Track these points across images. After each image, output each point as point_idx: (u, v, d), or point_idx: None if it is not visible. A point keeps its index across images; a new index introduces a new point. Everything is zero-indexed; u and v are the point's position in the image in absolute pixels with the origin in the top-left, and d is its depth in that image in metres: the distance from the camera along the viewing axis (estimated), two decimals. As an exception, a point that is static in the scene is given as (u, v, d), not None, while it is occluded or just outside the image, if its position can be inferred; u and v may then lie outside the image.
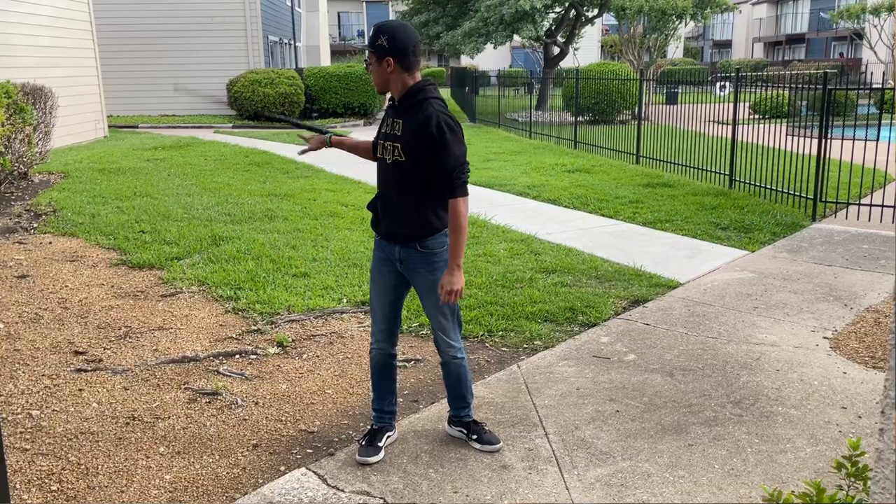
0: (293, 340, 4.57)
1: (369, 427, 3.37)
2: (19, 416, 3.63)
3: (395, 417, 3.41)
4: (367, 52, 3.03)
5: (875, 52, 24.83)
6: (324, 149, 3.46)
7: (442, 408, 3.70)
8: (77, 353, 4.38)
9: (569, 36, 24.78)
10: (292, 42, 27.85)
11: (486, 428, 3.38)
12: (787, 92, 9.44)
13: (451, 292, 3.00)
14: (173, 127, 18.91)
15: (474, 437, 3.33)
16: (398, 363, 4.21)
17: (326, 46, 39.42)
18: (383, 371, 3.32)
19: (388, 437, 3.33)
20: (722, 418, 3.56)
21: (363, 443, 3.26)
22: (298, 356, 4.37)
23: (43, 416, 3.64)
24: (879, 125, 8.31)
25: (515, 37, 23.78)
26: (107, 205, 8.29)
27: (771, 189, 8.69)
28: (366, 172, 11.13)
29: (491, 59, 38.86)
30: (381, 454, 3.22)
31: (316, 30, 35.26)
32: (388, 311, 3.23)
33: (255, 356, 4.36)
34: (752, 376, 4.02)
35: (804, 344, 4.47)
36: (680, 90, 15.53)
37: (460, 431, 3.37)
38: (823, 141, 7.77)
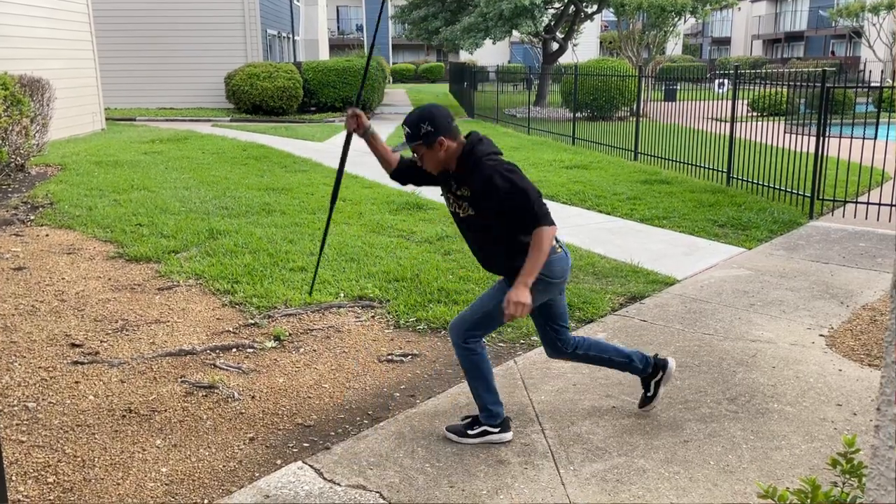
0: (290, 334, 4.58)
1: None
2: (15, 408, 3.63)
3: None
4: (412, 146, 3.12)
5: (874, 51, 24.83)
6: (354, 133, 3.46)
7: (438, 403, 3.71)
8: (74, 345, 4.38)
9: (568, 32, 24.76)
10: (291, 36, 27.80)
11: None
12: (785, 90, 9.44)
13: (518, 304, 2.96)
14: (171, 120, 18.86)
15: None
16: (395, 358, 4.23)
17: (325, 40, 39.34)
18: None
19: (487, 433, 3.35)
20: (717, 415, 3.57)
21: (465, 421, 3.37)
22: (295, 350, 4.37)
23: (39, 408, 3.64)
24: (877, 123, 8.31)
25: (514, 32, 23.75)
26: (104, 197, 8.27)
27: (768, 187, 8.70)
28: (363, 167, 11.14)
29: (489, 54, 38.82)
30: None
31: (314, 24, 35.19)
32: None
33: (251, 350, 4.35)
34: (748, 373, 4.03)
35: (800, 341, 4.48)
36: (678, 87, 15.54)
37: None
38: (821, 139, 7.78)
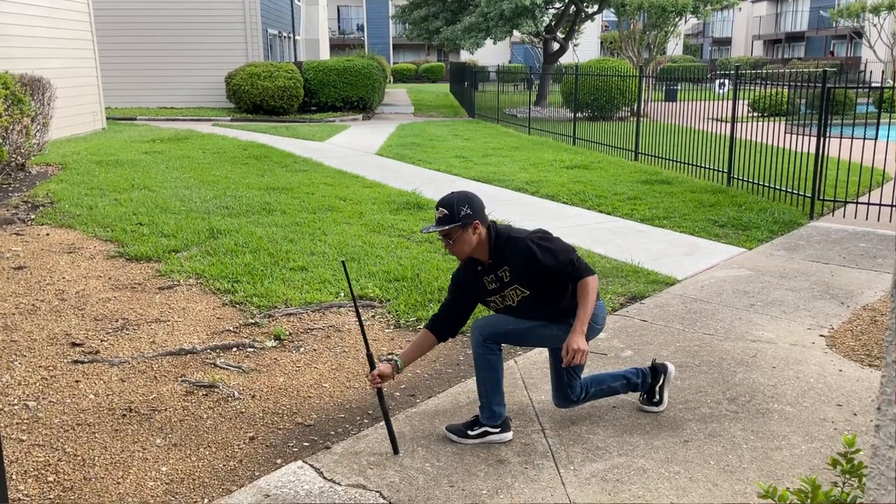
0: (290, 334, 4.58)
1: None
2: (16, 407, 3.63)
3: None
4: (445, 231, 3.11)
5: (874, 51, 24.82)
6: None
7: (438, 402, 3.71)
8: (74, 344, 4.38)
9: (568, 32, 24.76)
10: (291, 35, 27.80)
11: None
12: (786, 90, 9.44)
13: (578, 351, 3.09)
14: (172, 119, 18.87)
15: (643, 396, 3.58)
16: (395, 358, 4.23)
17: (326, 40, 39.35)
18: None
19: (487, 433, 3.37)
20: (718, 415, 3.57)
21: (470, 421, 3.36)
22: (295, 349, 4.37)
23: (39, 407, 3.64)
24: (878, 124, 8.31)
25: (515, 32, 23.76)
26: (104, 197, 8.28)
27: (769, 187, 8.69)
28: (364, 167, 11.13)
29: (490, 54, 38.83)
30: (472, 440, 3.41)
31: (315, 23, 35.19)
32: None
33: (252, 349, 4.36)
34: (749, 373, 4.03)
35: (800, 341, 4.48)
36: (679, 87, 15.53)
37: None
38: (822, 139, 7.78)
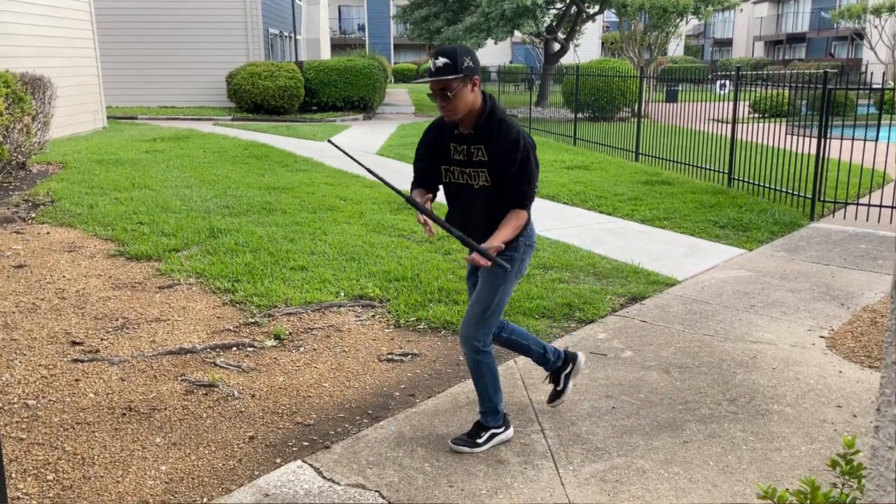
0: (290, 333, 4.58)
1: (546, 377, 3.62)
2: (16, 406, 3.63)
3: (553, 354, 3.53)
4: (446, 81, 2.87)
5: (875, 53, 24.82)
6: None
7: (438, 402, 3.71)
8: (74, 343, 4.38)
9: (569, 32, 24.75)
10: (292, 35, 27.79)
11: (481, 435, 3.24)
12: (786, 91, 9.44)
13: (484, 254, 2.89)
14: (172, 119, 18.87)
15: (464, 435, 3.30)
16: (395, 357, 4.23)
17: (327, 40, 39.34)
18: (503, 344, 3.49)
19: (565, 372, 3.53)
20: (717, 416, 3.57)
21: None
22: (295, 349, 4.37)
23: (39, 405, 3.64)
24: (879, 125, 8.31)
25: (516, 32, 23.76)
26: (105, 196, 8.28)
27: (770, 188, 8.69)
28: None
29: (491, 54, 38.81)
30: (569, 390, 3.55)
31: (316, 23, 35.18)
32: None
33: (252, 348, 4.36)
34: (749, 374, 4.03)
35: (800, 343, 4.48)
36: (680, 88, 15.53)
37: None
38: (823, 140, 7.77)
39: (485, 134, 3.00)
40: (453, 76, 2.88)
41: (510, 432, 3.32)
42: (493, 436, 3.27)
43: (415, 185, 3.30)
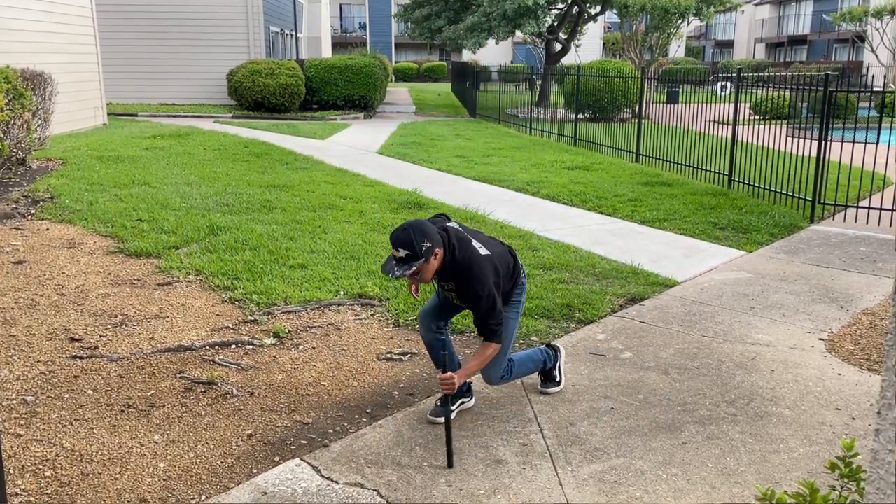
0: (289, 331, 4.57)
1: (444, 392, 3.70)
2: (14, 402, 3.63)
3: (464, 385, 3.64)
4: (417, 266, 3.09)
5: (876, 55, 24.82)
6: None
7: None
8: (73, 339, 4.38)
9: (571, 32, 24.74)
10: (293, 33, 27.78)
11: (557, 377, 3.80)
12: (787, 93, 9.43)
13: (447, 381, 3.23)
14: (173, 116, 18.86)
15: (541, 379, 3.85)
16: (394, 356, 4.23)
17: (328, 38, 39.34)
18: (434, 346, 3.61)
19: (462, 402, 3.62)
20: (716, 417, 3.57)
21: (438, 402, 3.55)
22: (294, 347, 4.37)
23: (38, 402, 3.64)
24: (879, 128, 8.31)
25: (517, 32, 23.74)
26: (105, 192, 8.27)
27: (770, 190, 8.69)
28: (364, 166, 11.13)
29: (492, 54, 38.83)
30: (452, 416, 3.49)
31: (317, 21, 35.17)
32: (442, 318, 3.61)
33: (251, 346, 4.35)
34: (747, 376, 4.03)
35: (800, 345, 4.48)
36: (681, 89, 15.53)
37: (538, 374, 3.88)
38: (823, 143, 7.77)
39: (449, 277, 3.28)
40: (417, 263, 3.09)
41: (562, 352, 3.88)
42: (559, 368, 3.82)
43: None
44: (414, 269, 3.09)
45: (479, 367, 3.34)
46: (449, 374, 3.25)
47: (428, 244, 3.10)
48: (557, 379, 3.83)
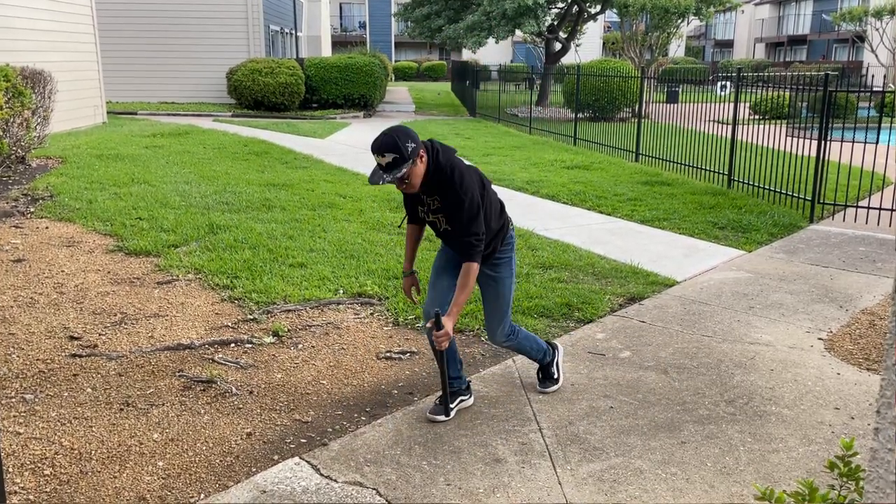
0: (289, 330, 4.57)
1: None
2: (13, 400, 3.62)
3: (463, 383, 3.62)
4: (400, 175, 3.01)
5: (876, 55, 24.82)
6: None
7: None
8: (72, 338, 4.38)
9: (571, 32, 24.74)
10: (293, 32, 27.77)
11: (555, 374, 3.80)
12: (787, 93, 9.43)
13: (441, 336, 3.20)
14: (172, 114, 18.85)
15: (539, 378, 3.83)
16: (393, 355, 4.23)
17: (328, 37, 39.34)
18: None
19: (461, 401, 3.59)
20: (715, 417, 3.57)
21: (437, 401, 3.54)
22: (294, 346, 4.36)
23: (37, 400, 3.64)
24: (879, 128, 8.31)
25: (517, 32, 23.73)
26: (104, 191, 8.27)
27: (769, 190, 8.69)
28: (364, 164, 11.12)
29: (492, 53, 38.81)
30: (451, 415, 3.52)
31: (317, 20, 35.17)
32: (441, 290, 3.50)
33: (250, 345, 4.35)
34: (747, 375, 4.03)
35: (799, 344, 4.48)
36: (680, 89, 15.54)
37: (536, 374, 3.87)
38: (823, 143, 7.77)
39: (433, 187, 3.21)
40: (405, 166, 3.02)
41: (561, 350, 3.92)
42: (557, 365, 3.83)
43: (409, 221, 3.59)
44: (403, 172, 3.01)
45: (466, 296, 3.22)
46: (443, 330, 3.17)
47: (413, 145, 3.03)
48: (556, 376, 3.82)
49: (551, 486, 2.99)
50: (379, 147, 3.01)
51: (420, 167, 3.10)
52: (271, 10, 23.22)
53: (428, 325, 3.29)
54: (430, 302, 3.49)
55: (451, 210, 3.19)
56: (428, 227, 3.52)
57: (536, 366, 3.93)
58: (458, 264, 3.36)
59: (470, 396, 3.65)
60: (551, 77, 22.39)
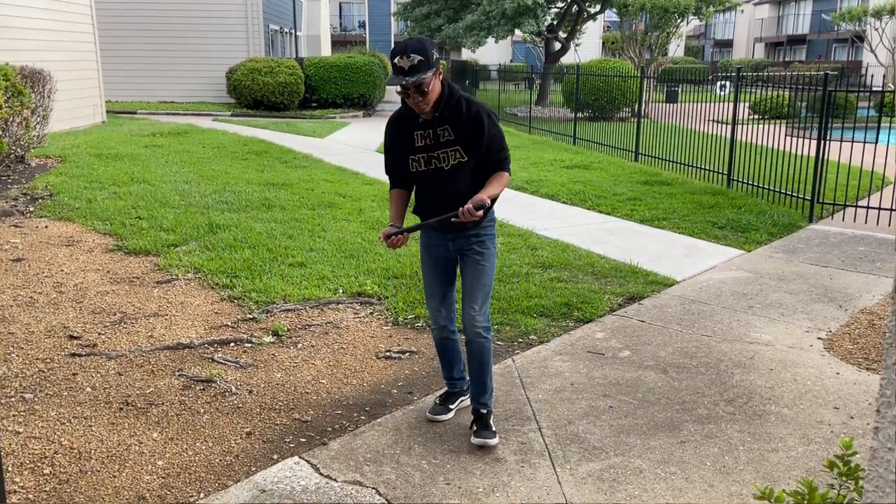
0: (288, 330, 4.57)
1: (444, 390, 3.57)
2: (13, 399, 3.62)
3: (465, 384, 3.50)
4: (426, 80, 2.81)
5: (875, 55, 24.83)
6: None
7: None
8: (72, 337, 4.38)
9: (570, 31, 24.74)
10: (293, 31, 27.76)
11: (493, 427, 3.30)
12: (787, 93, 9.44)
13: (470, 209, 2.89)
14: (172, 114, 18.84)
15: (474, 428, 3.29)
16: (393, 355, 4.23)
17: (327, 36, 39.32)
18: (444, 345, 3.43)
19: (461, 401, 3.52)
20: (715, 416, 3.57)
21: (437, 401, 3.49)
22: (293, 345, 4.36)
23: (36, 399, 3.64)
24: (878, 128, 8.31)
25: (517, 31, 23.74)
26: (104, 190, 8.26)
27: (769, 189, 8.69)
28: (364, 164, 11.13)
29: (492, 52, 38.79)
30: (451, 415, 3.45)
31: (317, 19, 35.16)
32: (445, 291, 3.32)
33: (249, 344, 4.35)
34: (746, 375, 4.03)
35: (798, 344, 4.48)
36: (680, 89, 15.53)
37: (472, 424, 3.32)
38: (822, 142, 7.78)
39: (449, 115, 2.97)
40: (429, 72, 2.81)
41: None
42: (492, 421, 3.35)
43: (394, 186, 3.27)
44: (425, 78, 2.79)
45: (500, 190, 3.01)
46: (469, 206, 2.88)
47: (437, 55, 2.86)
48: (494, 429, 3.28)
49: (551, 485, 2.99)
50: (405, 48, 2.78)
51: (437, 84, 2.89)
52: (271, 10, 23.22)
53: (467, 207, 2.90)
54: (435, 293, 3.30)
55: (473, 132, 2.96)
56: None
57: (536, 364, 3.93)
58: (452, 265, 3.28)
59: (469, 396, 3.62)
60: (551, 77, 22.39)
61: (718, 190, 9.31)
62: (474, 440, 3.24)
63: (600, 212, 8.16)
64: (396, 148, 3.14)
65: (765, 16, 48.26)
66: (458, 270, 3.34)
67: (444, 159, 3.03)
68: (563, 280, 5.59)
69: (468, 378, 3.44)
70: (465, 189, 3.08)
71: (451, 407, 3.50)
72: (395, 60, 2.82)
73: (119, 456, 3.17)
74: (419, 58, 2.78)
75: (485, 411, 3.31)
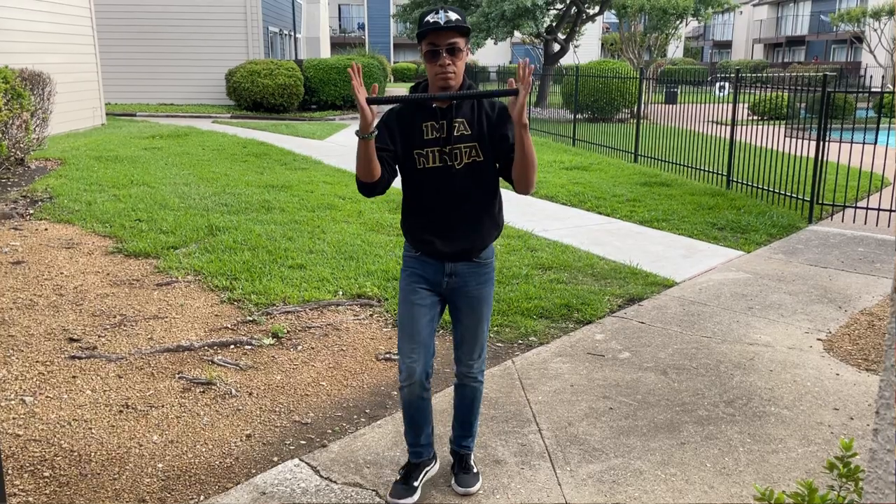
0: (288, 332, 4.57)
1: (406, 462, 2.99)
2: (13, 402, 3.62)
3: (432, 451, 3.03)
4: (457, 36, 2.50)
5: (874, 56, 24.85)
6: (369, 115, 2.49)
7: (435, 402, 3.70)
8: (71, 340, 4.38)
9: (569, 33, 24.76)
10: (292, 33, 27.77)
11: (475, 468, 3.01)
12: (786, 94, 9.44)
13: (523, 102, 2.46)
14: (171, 116, 18.85)
15: (455, 471, 3.00)
16: (393, 356, 4.21)
17: (326, 38, 39.33)
18: (415, 405, 2.85)
19: (427, 472, 2.97)
20: (715, 417, 3.57)
21: (398, 478, 2.91)
22: (293, 347, 4.36)
23: (36, 402, 3.64)
24: (878, 129, 8.32)
25: (516, 33, 23.76)
26: (103, 192, 8.27)
27: (768, 190, 8.70)
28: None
29: (491, 54, 38.85)
30: (417, 496, 2.85)
31: (316, 21, 35.18)
32: (426, 335, 2.78)
33: (249, 347, 4.35)
34: (746, 376, 4.03)
35: (798, 345, 4.48)
36: (679, 90, 15.54)
37: (453, 467, 3.03)
38: (821, 143, 7.78)
39: (466, 107, 2.64)
40: (465, 35, 2.55)
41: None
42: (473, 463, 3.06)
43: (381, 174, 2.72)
44: (459, 38, 2.51)
45: (534, 162, 2.58)
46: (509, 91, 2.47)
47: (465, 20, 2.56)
48: (476, 470, 3.01)
49: (551, 487, 2.99)
50: (442, 6, 2.55)
51: (464, 60, 2.58)
52: (270, 12, 23.23)
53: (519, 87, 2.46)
54: (415, 337, 2.75)
55: (499, 122, 2.63)
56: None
57: (536, 366, 3.92)
58: (442, 304, 2.82)
59: None
60: (550, 78, 22.40)
61: (718, 191, 9.32)
62: (458, 489, 2.92)
63: (600, 213, 8.17)
64: (395, 139, 2.65)
65: (763, 17, 48.31)
66: (446, 311, 2.89)
67: (456, 156, 2.63)
68: (563, 281, 5.59)
69: (435, 442, 3.04)
70: (478, 198, 2.69)
71: (416, 485, 2.88)
72: (430, 17, 2.52)
73: (119, 458, 3.17)
74: (457, 17, 2.51)
75: (467, 453, 3.01)
